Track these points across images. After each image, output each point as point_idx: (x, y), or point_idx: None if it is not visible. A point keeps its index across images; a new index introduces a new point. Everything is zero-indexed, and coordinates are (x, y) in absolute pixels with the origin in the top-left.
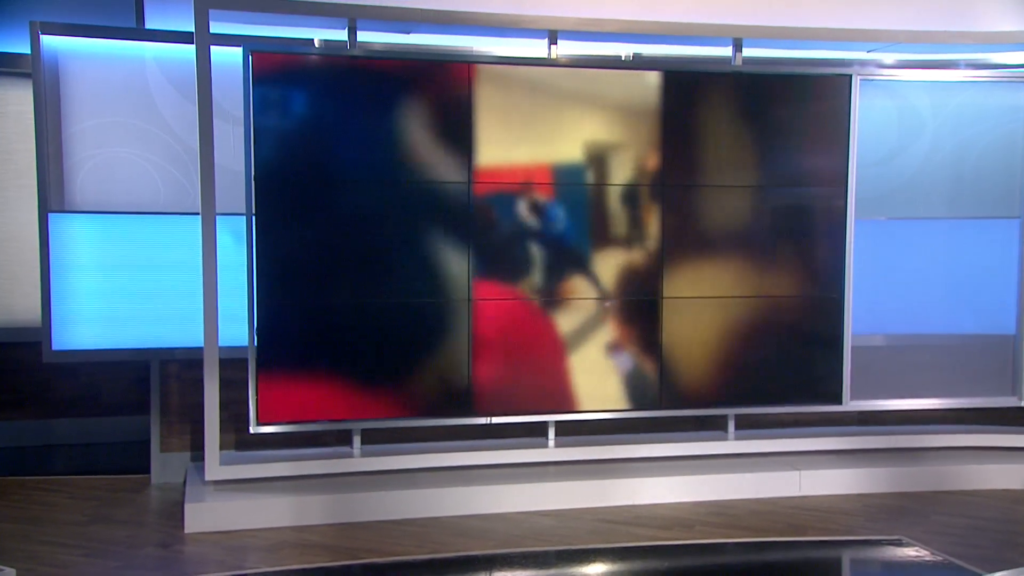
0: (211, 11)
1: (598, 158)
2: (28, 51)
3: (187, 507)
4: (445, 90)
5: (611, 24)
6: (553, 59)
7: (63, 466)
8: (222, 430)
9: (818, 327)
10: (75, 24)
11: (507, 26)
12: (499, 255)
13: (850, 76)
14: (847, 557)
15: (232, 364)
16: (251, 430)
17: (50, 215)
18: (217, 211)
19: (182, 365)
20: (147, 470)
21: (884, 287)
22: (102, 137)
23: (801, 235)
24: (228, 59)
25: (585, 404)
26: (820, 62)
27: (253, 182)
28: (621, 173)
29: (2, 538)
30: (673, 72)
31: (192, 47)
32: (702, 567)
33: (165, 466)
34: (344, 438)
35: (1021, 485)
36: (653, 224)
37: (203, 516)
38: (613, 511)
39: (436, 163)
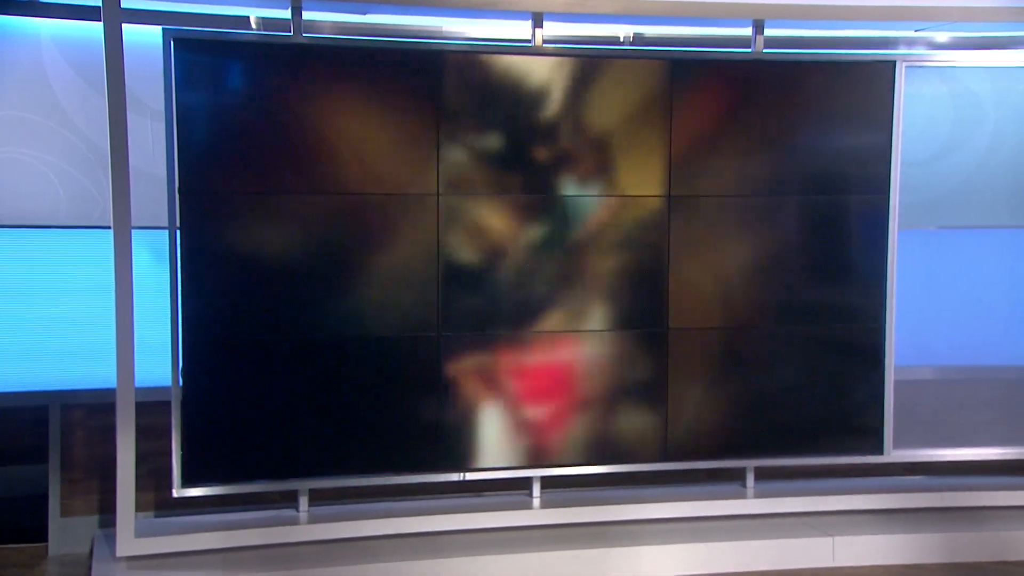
0: None
1: (592, 162)
2: None
3: None
4: (408, 82)
5: (606, 5)
6: (538, 46)
7: None
8: (139, 488)
9: (854, 360)
10: None
11: (482, 7)
12: (472, 280)
13: (894, 63)
14: None
15: (151, 408)
16: (174, 492)
17: None
18: (133, 224)
19: (88, 410)
20: (44, 538)
21: (933, 310)
22: None
23: (833, 251)
24: (145, 39)
25: (576, 455)
26: (857, 43)
27: (177, 190)
28: (618, 180)
29: None
30: (680, 61)
31: (100, 25)
32: None
33: (66, 533)
34: (289, 498)
35: None
36: (657, 241)
37: None
38: None
39: (399, 170)
